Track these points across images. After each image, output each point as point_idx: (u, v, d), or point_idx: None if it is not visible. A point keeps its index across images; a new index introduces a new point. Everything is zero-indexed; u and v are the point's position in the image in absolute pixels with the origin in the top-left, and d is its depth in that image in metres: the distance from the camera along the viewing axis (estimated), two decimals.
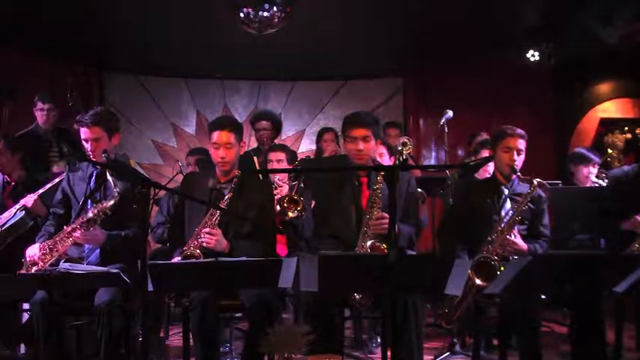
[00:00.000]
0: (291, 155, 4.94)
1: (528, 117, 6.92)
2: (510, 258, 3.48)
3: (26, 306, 3.65)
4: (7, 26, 5.74)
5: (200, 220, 3.40)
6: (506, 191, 3.73)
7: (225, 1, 5.21)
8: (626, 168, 3.96)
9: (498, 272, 3.34)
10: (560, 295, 3.33)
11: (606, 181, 4.63)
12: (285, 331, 2.42)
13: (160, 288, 2.89)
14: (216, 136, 3.48)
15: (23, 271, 3.29)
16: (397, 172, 2.40)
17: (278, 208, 4.07)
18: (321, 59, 7.01)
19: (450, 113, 5.16)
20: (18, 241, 3.94)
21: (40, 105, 5.17)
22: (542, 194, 3.76)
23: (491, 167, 4.44)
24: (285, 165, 4.60)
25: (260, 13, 5.13)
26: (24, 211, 3.99)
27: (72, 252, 3.50)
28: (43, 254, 3.32)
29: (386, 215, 3.34)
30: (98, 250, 3.48)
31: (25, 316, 3.65)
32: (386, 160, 4.44)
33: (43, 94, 5.20)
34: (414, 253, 3.67)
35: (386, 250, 3.21)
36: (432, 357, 4.15)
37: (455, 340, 4.27)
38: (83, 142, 3.54)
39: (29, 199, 3.97)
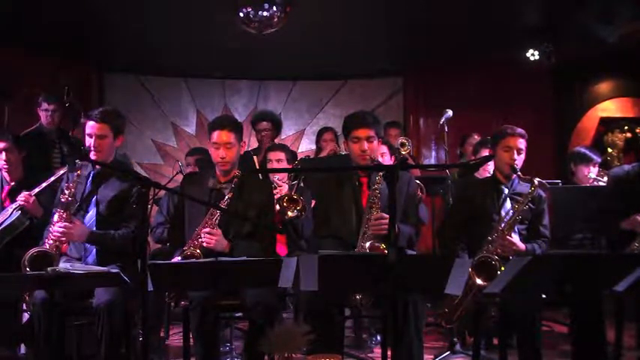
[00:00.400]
0: (291, 155, 4.94)
1: (528, 116, 6.92)
2: (510, 258, 3.48)
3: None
4: (7, 26, 5.75)
5: (200, 220, 3.40)
6: (506, 191, 3.73)
7: (225, 1, 5.21)
8: (626, 167, 3.95)
9: (499, 272, 3.34)
10: (560, 294, 3.33)
11: (606, 179, 4.62)
12: (285, 330, 2.42)
13: (160, 288, 2.90)
14: (216, 135, 3.48)
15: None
16: (397, 171, 2.40)
17: (277, 207, 4.07)
18: (321, 59, 7.01)
19: (450, 113, 5.16)
20: (16, 241, 3.95)
21: (44, 105, 5.18)
22: (543, 194, 3.76)
23: (491, 166, 4.44)
24: (284, 165, 4.60)
25: (260, 12, 5.13)
26: (20, 211, 3.98)
27: (71, 252, 3.50)
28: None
29: (385, 215, 3.34)
30: (95, 251, 3.48)
31: (26, 316, 3.64)
32: (387, 160, 4.45)
33: (47, 95, 5.22)
34: (414, 253, 3.67)
35: (385, 251, 3.20)
36: (432, 356, 4.15)
37: (455, 339, 4.27)
38: (87, 137, 3.53)
39: (28, 199, 3.96)
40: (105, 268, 3.18)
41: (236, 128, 3.52)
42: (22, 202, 3.98)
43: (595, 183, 4.78)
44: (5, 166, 4.17)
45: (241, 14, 5.18)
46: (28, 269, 3.21)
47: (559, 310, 4.91)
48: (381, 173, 3.44)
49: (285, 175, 4.56)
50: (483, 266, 3.43)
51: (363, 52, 6.89)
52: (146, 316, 2.74)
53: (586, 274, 2.69)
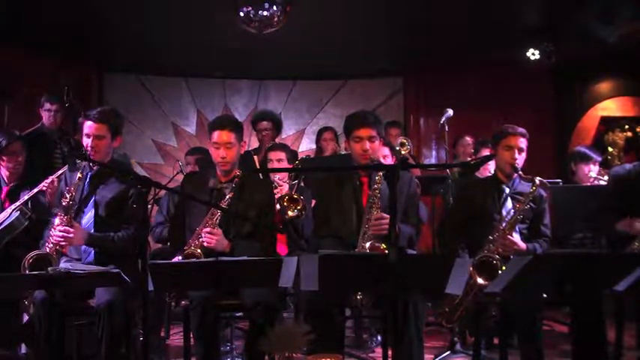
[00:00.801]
0: (292, 154, 4.94)
1: (528, 116, 6.92)
2: (511, 257, 3.48)
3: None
4: (7, 26, 5.75)
5: (201, 220, 3.40)
6: (507, 190, 3.72)
7: (225, 0, 5.21)
8: (627, 166, 3.95)
9: (499, 271, 3.33)
10: (560, 294, 3.32)
11: (606, 178, 4.62)
12: (285, 330, 2.42)
13: (161, 288, 2.90)
14: (216, 135, 3.48)
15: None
16: (397, 171, 2.40)
17: (278, 207, 4.07)
18: (322, 59, 7.01)
19: (451, 112, 5.16)
20: (15, 242, 3.96)
21: (47, 105, 5.18)
22: (544, 193, 3.76)
23: (492, 166, 4.44)
24: (285, 164, 4.60)
25: (260, 12, 5.13)
26: (19, 212, 3.99)
27: (71, 253, 3.50)
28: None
29: (385, 216, 3.34)
30: (93, 251, 3.48)
31: (26, 316, 3.64)
32: (389, 162, 4.44)
33: (50, 95, 5.22)
34: (414, 252, 3.66)
35: (386, 251, 3.20)
36: (433, 356, 4.15)
37: (456, 339, 4.27)
38: (84, 137, 3.52)
39: (51, 185, 4.00)
40: (105, 268, 3.18)
41: (236, 128, 3.52)
42: (45, 187, 4.00)
43: (596, 182, 4.78)
44: (15, 168, 4.20)
45: (241, 14, 5.18)
46: (27, 272, 3.21)
47: (559, 310, 4.91)
48: (381, 173, 3.44)
49: (285, 175, 4.56)
50: (484, 266, 3.43)
51: (364, 51, 6.89)
52: (146, 316, 2.74)
53: (586, 273, 2.69)
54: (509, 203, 3.69)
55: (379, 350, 4.29)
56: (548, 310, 4.50)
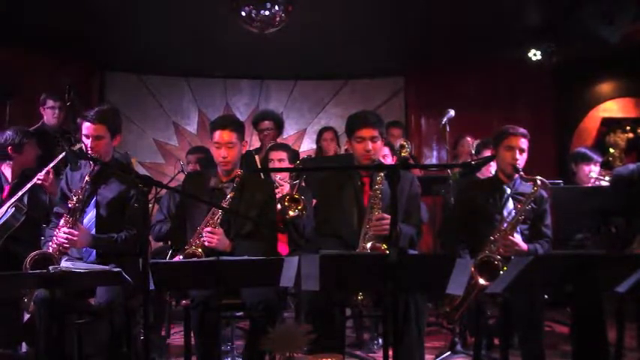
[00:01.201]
0: (293, 154, 4.94)
1: (530, 116, 6.92)
2: (512, 258, 3.47)
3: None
4: (8, 25, 5.75)
5: (202, 219, 3.40)
6: (508, 190, 3.72)
7: (226, 0, 5.21)
8: (631, 166, 3.94)
9: (501, 272, 3.33)
10: (561, 294, 3.32)
11: (608, 178, 4.62)
12: (286, 330, 2.42)
13: (162, 287, 2.90)
14: (217, 135, 3.48)
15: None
16: (398, 171, 2.40)
17: (279, 206, 4.07)
18: (323, 58, 7.01)
19: (452, 112, 5.16)
20: (15, 240, 3.96)
21: (50, 103, 5.18)
22: (545, 194, 3.75)
23: (493, 167, 4.43)
24: (286, 164, 4.60)
25: (261, 12, 5.13)
26: (14, 208, 3.99)
27: (72, 252, 3.50)
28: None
29: (386, 216, 3.34)
30: (95, 250, 3.48)
31: (27, 315, 3.65)
32: (389, 161, 4.44)
33: (53, 93, 5.23)
34: (415, 253, 3.66)
35: (387, 251, 3.20)
36: (434, 356, 4.15)
37: (456, 339, 4.27)
38: (83, 138, 3.53)
39: (46, 178, 4.02)
40: (106, 267, 3.18)
41: (238, 128, 3.53)
42: (41, 181, 4.02)
43: (597, 182, 4.78)
44: (26, 165, 4.23)
45: (243, 13, 5.17)
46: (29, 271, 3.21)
47: (560, 311, 4.91)
48: (382, 173, 3.44)
49: (286, 175, 4.57)
50: (485, 266, 3.43)
51: (365, 51, 6.89)
52: (147, 315, 2.75)
53: (587, 274, 2.68)
54: (510, 204, 3.69)
55: (380, 350, 4.29)
56: (549, 310, 4.51)
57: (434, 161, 7.73)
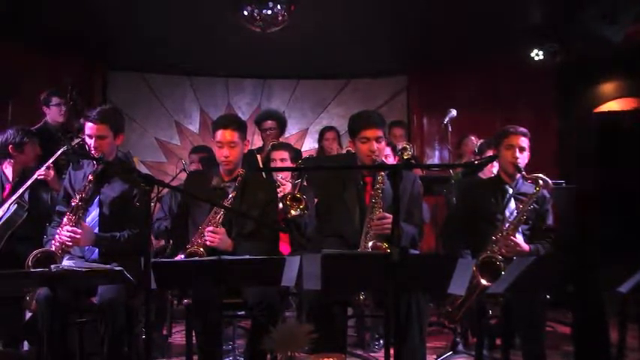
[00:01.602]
0: (295, 154, 4.94)
1: (532, 116, 6.90)
2: (514, 258, 3.47)
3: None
4: (10, 23, 5.75)
5: (204, 219, 3.40)
6: (510, 190, 3.72)
7: None
8: None
9: (503, 272, 3.33)
10: (563, 295, 3.32)
11: None
12: (287, 329, 2.42)
13: (163, 286, 2.90)
14: (220, 134, 3.49)
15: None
16: (401, 171, 2.40)
17: (280, 206, 4.07)
18: (325, 58, 7.00)
19: (454, 112, 5.15)
20: (18, 238, 3.97)
21: (55, 100, 5.17)
22: (547, 194, 3.75)
23: (495, 167, 4.43)
24: (288, 163, 4.60)
25: (263, 11, 5.13)
26: (17, 204, 4.00)
27: (74, 250, 3.50)
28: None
29: (388, 215, 3.34)
30: (97, 249, 3.48)
31: (28, 314, 3.66)
32: (391, 161, 4.44)
33: (57, 90, 5.23)
34: (416, 252, 3.66)
35: (388, 250, 3.20)
36: (435, 356, 4.15)
37: (458, 339, 4.27)
38: (86, 138, 3.54)
39: (48, 173, 4.03)
40: (108, 266, 3.18)
41: (240, 127, 3.53)
42: (42, 176, 4.02)
43: None
44: (27, 164, 4.23)
45: (245, 13, 5.18)
46: (31, 269, 3.22)
47: (562, 311, 4.90)
48: (382, 173, 3.44)
49: (288, 174, 4.57)
50: (487, 266, 3.43)
51: (367, 51, 6.89)
52: (149, 314, 2.75)
53: (589, 274, 2.68)
54: (512, 204, 3.68)
55: (382, 350, 4.28)
56: (550, 310, 4.50)
57: (436, 161, 7.71)
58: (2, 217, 3.99)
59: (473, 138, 5.96)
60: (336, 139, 6.02)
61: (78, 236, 3.33)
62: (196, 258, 3.24)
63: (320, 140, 6.10)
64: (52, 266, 2.89)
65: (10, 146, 4.23)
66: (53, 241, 3.38)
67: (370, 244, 3.36)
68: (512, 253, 3.48)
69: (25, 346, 4.03)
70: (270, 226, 3.58)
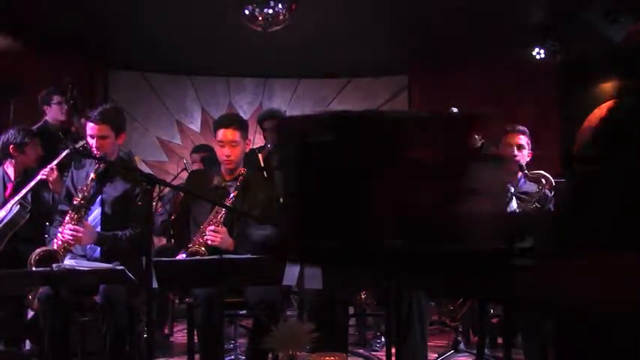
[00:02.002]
0: None
1: (533, 115, 6.90)
2: None
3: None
4: (10, 23, 5.76)
5: (205, 218, 3.40)
6: (512, 189, 3.72)
7: None
8: None
9: None
10: None
11: None
12: (289, 328, 2.42)
13: (165, 285, 2.90)
14: (221, 134, 3.49)
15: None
16: None
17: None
18: (326, 57, 7.00)
19: (455, 111, 5.14)
20: (20, 238, 3.97)
21: (57, 99, 5.17)
22: (549, 194, 3.75)
23: None
24: None
25: (265, 10, 5.13)
26: (19, 205, 4.01)
27: (76, 249, 3.51)
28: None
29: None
30: (99, 248, 3.49)
31: (30, 313, 3.66)
32: None
33: (57, 88, 5.23)
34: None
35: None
36: (436, 355, 4.15)
37: (459, 338, 4.26)
38: (88, 138, 3.54)
39: (50, 174, 4.03)
40: (110, 265, 3.18)
41: (241, 126, 3.53)
42: (45, 176, 4.03)
43: None
44: (28, 165, 4.24)
45: (246, 12, 5.18)
46: (34, 268, 3.22)
47: None
48: None
49: None
50: None
51: (368, 50, 6.88)
52: (150, 313, 2.75)
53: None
54: (514, 203, 3.68)
55: (383, 349, 4.29)
56: None
57: None
58: (5, 217, 4.00)
59: (475, 136, 5.94)
60: None
61: (80, 235, 3.34)
62: (198, 257, 3.25)
63: None
64: (54, 265, 2.89)
65: (11, 146, 4.23)
66: (55, 240, 3.39)
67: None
68: None
69: (27, 345, 4.04)
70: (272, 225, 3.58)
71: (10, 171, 4.28)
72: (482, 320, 3.59)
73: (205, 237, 3.35)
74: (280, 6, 5.12)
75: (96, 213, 3.51)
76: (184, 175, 4.77)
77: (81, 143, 4.31)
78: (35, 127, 5.17)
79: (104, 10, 5.63)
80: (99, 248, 3.48)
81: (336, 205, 0.69)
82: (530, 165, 3.75)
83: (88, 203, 3.47)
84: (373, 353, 4.35)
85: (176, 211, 4.34)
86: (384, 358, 2.99)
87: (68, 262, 3.21)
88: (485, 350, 3.74)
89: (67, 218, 3.38)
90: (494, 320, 3.93)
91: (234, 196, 3.40)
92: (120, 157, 3.70)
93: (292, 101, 7.89)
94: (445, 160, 0.66)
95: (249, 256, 2.97)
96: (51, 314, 3.13)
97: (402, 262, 0.67)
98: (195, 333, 3.29)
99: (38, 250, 3.30)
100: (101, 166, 3.49)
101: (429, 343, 3.35)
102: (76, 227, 3.33)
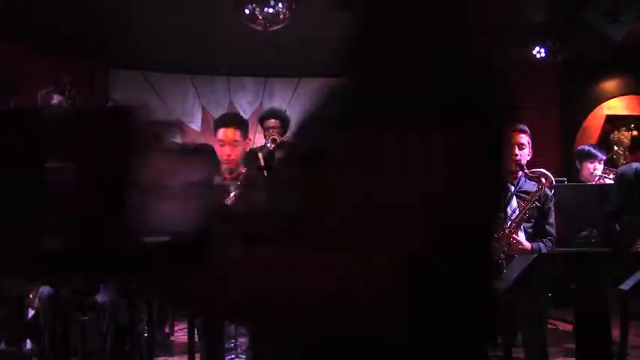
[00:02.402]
0: None
1: (534, 114, 6.89)
2: (516, 256, 3.47)
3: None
4: (10, 22, 5.76)
5: None
6: (512, 188, 3.72)
7: None
8: (634, 165, 3.93)
9: (505, 270, 3.33)
10: (565, 292, 3.32)
11: (612, 176, 4.61)
12: None
13: None
14: (221, 133, 3.49)
15: None
16: None
17: None
18: (327, 56, 6.99)
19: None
20: None
21: (57, 98, 5.17)
22: (550, 192, 3.75)
23: None
24: None
25: (265, 9, 5.13)
26: None
27: None
28: None
29: None
30: None
31: (31, 312, 3.66)
32: None
33: (56, 87, 5.23)
34: None
35: None
36: None
37: None
38: None
39: None
40: None
41: (242, 126, 3.53)
42: None
43: (601, 180, 4.77)
44: None
45: (247, 11, 5.17)
46: None
47: (564, 309, 4.90)
48: None
49: None
50: None
51: None
52: (151, 312, 2.75)
53: (591, 272, 2.68)
54: (514, 202, 3.68)
55: None
56: (552, 308, 4.50)
57: None
58: None
59: None
60: None
61: None
62: None
63: None
64: None
65: None
66: None
67: None
68: (514, 251, 3.48)
69: (28, 344, 4.04)
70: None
71: None
72: None
73: None
74: (281, 5, 5.11)
75: None
76: None
77: None
78: None
79: (104, 10, 5.62)
80: None
81: None
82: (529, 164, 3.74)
83: None
84: None
85: None
86: None
87: None
88: None
89: None
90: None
91: (234, 195, 3.40)
92: None
93: (293, 100, 7.89)
94: (90, 161, 0.63)
95: None
96: (51, 313, 3.14)
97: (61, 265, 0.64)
98: (196, 332, 3.29)
99: None
100: None
101: None
102: None
